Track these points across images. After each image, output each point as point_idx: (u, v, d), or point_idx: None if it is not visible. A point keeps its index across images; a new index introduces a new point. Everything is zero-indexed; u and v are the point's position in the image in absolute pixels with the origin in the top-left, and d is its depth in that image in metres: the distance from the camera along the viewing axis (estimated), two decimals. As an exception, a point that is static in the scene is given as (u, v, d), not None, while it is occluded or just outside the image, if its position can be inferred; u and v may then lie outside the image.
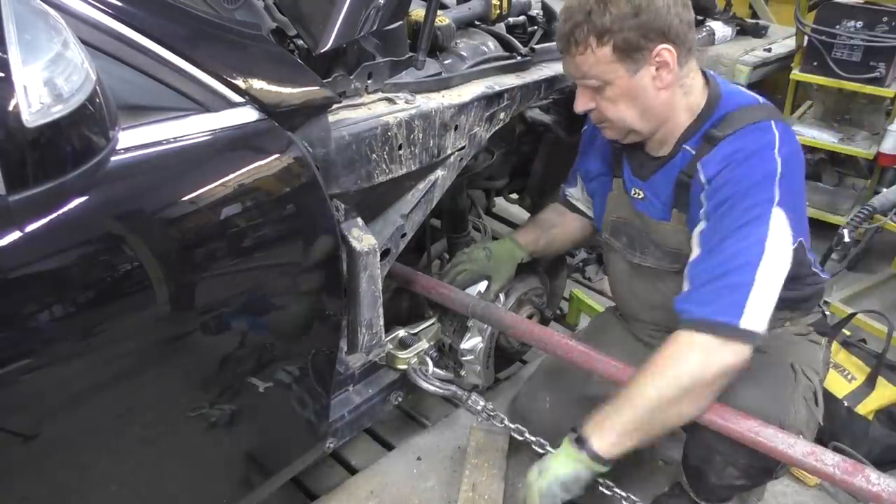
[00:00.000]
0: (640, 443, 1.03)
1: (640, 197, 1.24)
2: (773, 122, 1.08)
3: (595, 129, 1.31)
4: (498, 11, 1.40)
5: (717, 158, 1.07)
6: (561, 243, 1.55)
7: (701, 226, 1.09)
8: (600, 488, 1.17)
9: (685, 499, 1.34)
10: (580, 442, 1.02)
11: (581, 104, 1.15)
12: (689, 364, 0.99)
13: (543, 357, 1.57)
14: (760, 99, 1.16)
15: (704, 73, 1.17)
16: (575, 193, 1.47)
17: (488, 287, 1.43)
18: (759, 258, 0.99)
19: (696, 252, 1.08)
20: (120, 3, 0.82)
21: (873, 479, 0.94)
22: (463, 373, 1.52)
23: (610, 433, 1.01)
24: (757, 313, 0.99)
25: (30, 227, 0.68)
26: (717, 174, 1.06)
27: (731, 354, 0.99)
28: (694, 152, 1.12)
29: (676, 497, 1.38)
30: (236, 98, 0.89)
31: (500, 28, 1.46)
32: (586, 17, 1.04)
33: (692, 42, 1.09)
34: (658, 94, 1.09)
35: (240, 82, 0.89)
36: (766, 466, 1.16)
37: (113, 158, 0.74)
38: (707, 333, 0.99)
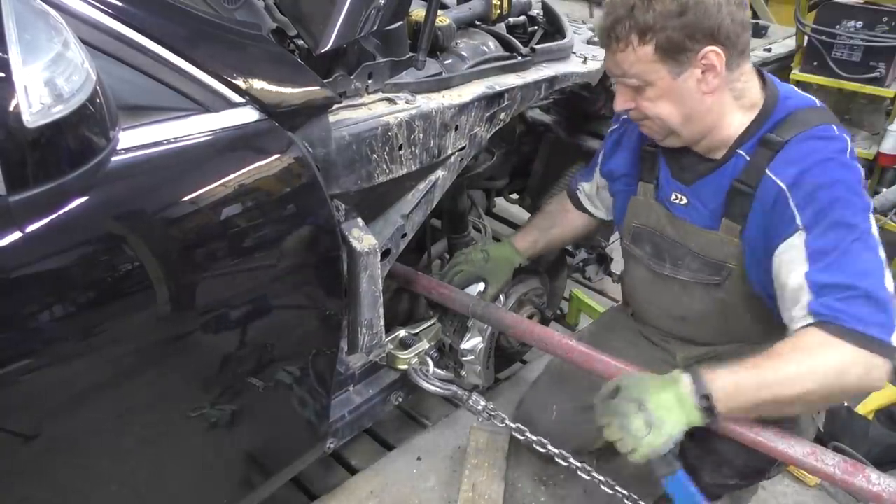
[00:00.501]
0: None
1: (682, 202, 1.16)
2: (835, 127, 1.04)
3: (623, 130, 1.28)
4: (498, 11, 1.40)
5: (791, 161, 1.01)
6: (561, 242, 1.53)
7: (801, 236, 0.99)
8: (602, 487, 1.17)
9: None
10: (704, 399, 0.95)
11: (620, 103, 1.09)
12: (850, 378, 0.93)
13: (549, 361, 1.56)
14: (817, 101, 1.11)
15: (761, 73, 1.11)
16: (587, 188, 1.42)
17: (485, 290, 1.43)
18: (883, 271, 0.96)
19: (806, 264, 0.98)
20: (120, 3, 0.82)
21: (873, 479, 0.95)
22: (463, 373, 1.52)
23: (739, 406, 0.95)
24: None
25: (30, 228, 0.68)
26: (799, 177, 1.00)
27: (884, 373, 0.93)
28: (748, 158, 1.07)
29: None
30: (237, 98, 0.89)
31: (501, 28, 1.46)
32: (629, 12, 0.99)
33: (746, 44, 1.02)
34: (703, 99, 1.03)
35: (240, 82, 0.89)
36: (761, 467, 1.15)
37: (113, 159, 0.74)
38: (864, 349, 0.93)
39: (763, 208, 1.05)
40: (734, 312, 1.19)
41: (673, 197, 1.18)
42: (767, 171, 1.03)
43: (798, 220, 1.00)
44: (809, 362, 0.94)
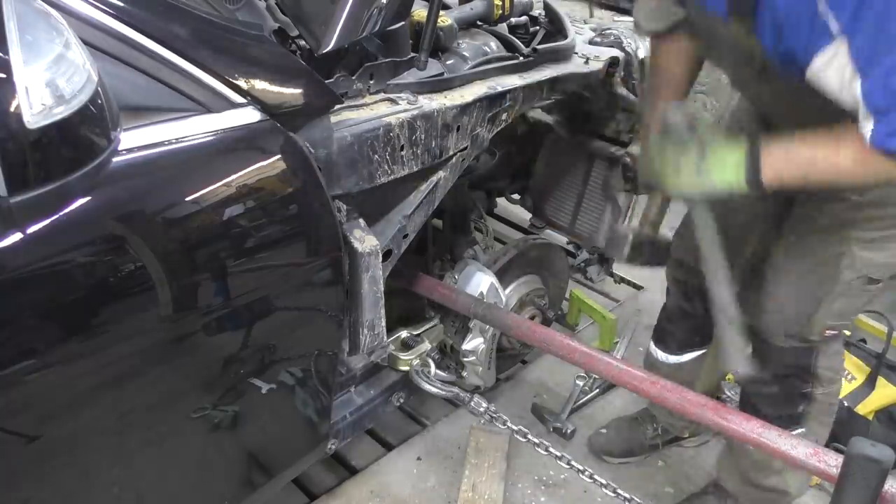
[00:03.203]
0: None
1: None
2: None
3: None
4: (500, 12, 1.40)
5: None
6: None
7: (844, 42, 0.82)
8: (603, 490, 1.18)
9: (717, 495, 1.35)
10: (753, 173, 0.95)
11: None
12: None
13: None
14: None
15: None
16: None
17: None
18: None
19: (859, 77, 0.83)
20: (121, 4, 0.82)
21: (876, 481, 0.94)
22: (464, 373, 1.52)
23: (782, 173, 0.95)
24: None
25: (31, 229, 0.67)
26: None
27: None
28: None
29: (709, 494, 1.39)
30: (238, 99, 0.89)
31: (503, 28, 1.46)
32: None
33: None
34: None
35: (241, 83, 0.88)
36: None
37: (115, 159, 0.74)
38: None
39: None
40: (795, 100, 1.03)
41: None
42: None
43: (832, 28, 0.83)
44: (853, 170, 0.90)
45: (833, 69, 0.86)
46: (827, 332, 1.18)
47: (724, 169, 0.96)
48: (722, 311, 1.08)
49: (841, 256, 1.11)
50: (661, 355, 1.51)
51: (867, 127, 0.85)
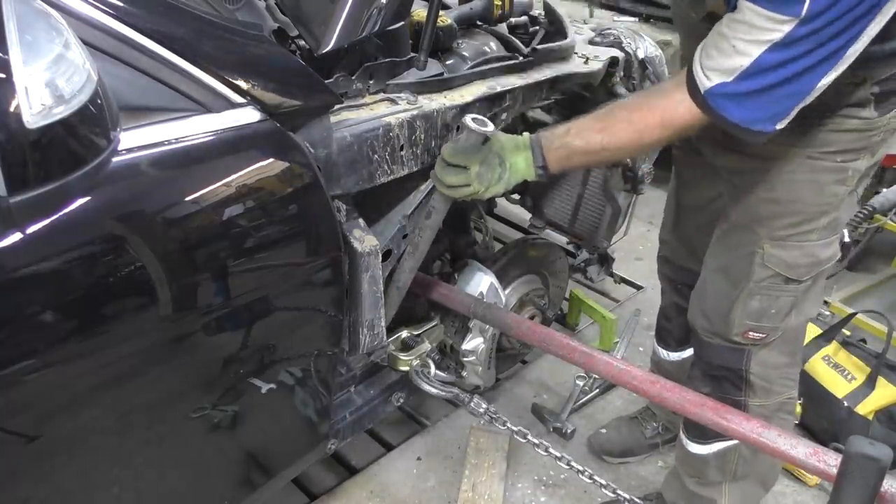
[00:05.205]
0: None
1: None
2: None
3: None
4: (500, 11, 1.40)
5: None
6: None
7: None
8: (603, 490, 1.18)
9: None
10: (541, 168, 1.08)
11: None
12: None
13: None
14: None
15: None
16: None
17: None
18: None
19: None
20: (121, 4, 0.82)
21: (875, 481, 0.94)
22: (464, 373, 1.52)
23: (564, 164, 1.09)
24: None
25: (31, 229, 0.67)
26: None
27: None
28: None
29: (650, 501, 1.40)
30: (238, 98, 0.89)
31: (502, 28, 1.46)
32: None
33: None
34: None
35: (241, 83, 0.88)
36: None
37: (114, 159, 0.74)
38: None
39: None
40: None
41: None
42: None
43: None
44: (639, 126, 0.99)
45: None
46: (750, 333, 1.13)
47: (519, 170, 1.10)
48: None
49: (753, 254, 1.09)
50: (663, 353, 1.52)
51: (708, 81, 0.89)
